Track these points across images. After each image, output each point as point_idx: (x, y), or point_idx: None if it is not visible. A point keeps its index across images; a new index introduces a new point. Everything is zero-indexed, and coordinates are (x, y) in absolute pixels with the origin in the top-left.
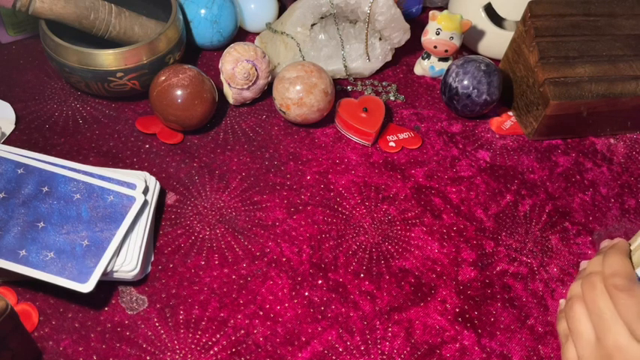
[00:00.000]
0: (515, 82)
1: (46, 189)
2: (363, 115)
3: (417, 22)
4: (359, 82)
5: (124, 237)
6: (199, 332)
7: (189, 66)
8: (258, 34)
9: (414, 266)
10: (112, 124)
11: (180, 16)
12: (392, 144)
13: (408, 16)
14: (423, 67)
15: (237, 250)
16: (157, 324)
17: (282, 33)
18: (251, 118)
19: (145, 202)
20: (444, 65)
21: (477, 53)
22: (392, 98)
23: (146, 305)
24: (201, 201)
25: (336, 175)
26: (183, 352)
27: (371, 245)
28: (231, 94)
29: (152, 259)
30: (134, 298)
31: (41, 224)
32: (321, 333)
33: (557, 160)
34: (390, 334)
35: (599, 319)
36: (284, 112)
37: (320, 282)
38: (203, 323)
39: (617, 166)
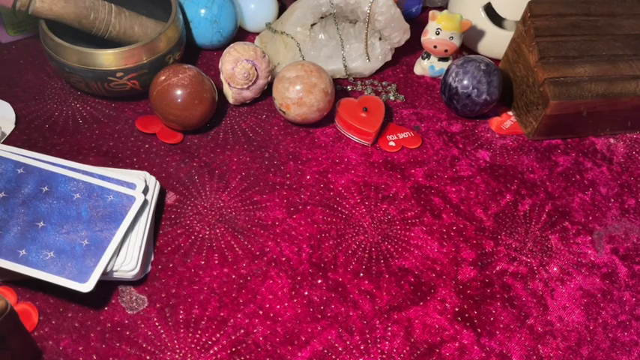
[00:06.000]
0: (515, 82)
1: (45, 189)
2: (363, 114)
3: (417, 22)
4: (359, 82)
5: (123, 237)
6: (199, 332)
7: (189, 66)
8: (258, 34)
9: (414, 265)
10: (112, 124)
11: (180, 16)
12: (392, 144)
13: (407, 16)
14: (423, 66)
15: (237, 249)
16: (156, 323)
17: (282, 33)
18: (251, 117)
19: (145, 202)
20: (444, 65)
21: (476, 53)
22: (392, 98)
23: (146, 305)
24: (201, 201)
25: (336, 174)
26: (183, 351)
27: (370, 245)
28: (231, 94)
29: (152, 258)
30: (134, 297)
31: (41, 224)
32: (320, 332)
33: (557, 160)
34: (389, 333)
35: None
36: (284, 112)
37: (320, 281)
38: (203, 323)
39: (617, 166)
